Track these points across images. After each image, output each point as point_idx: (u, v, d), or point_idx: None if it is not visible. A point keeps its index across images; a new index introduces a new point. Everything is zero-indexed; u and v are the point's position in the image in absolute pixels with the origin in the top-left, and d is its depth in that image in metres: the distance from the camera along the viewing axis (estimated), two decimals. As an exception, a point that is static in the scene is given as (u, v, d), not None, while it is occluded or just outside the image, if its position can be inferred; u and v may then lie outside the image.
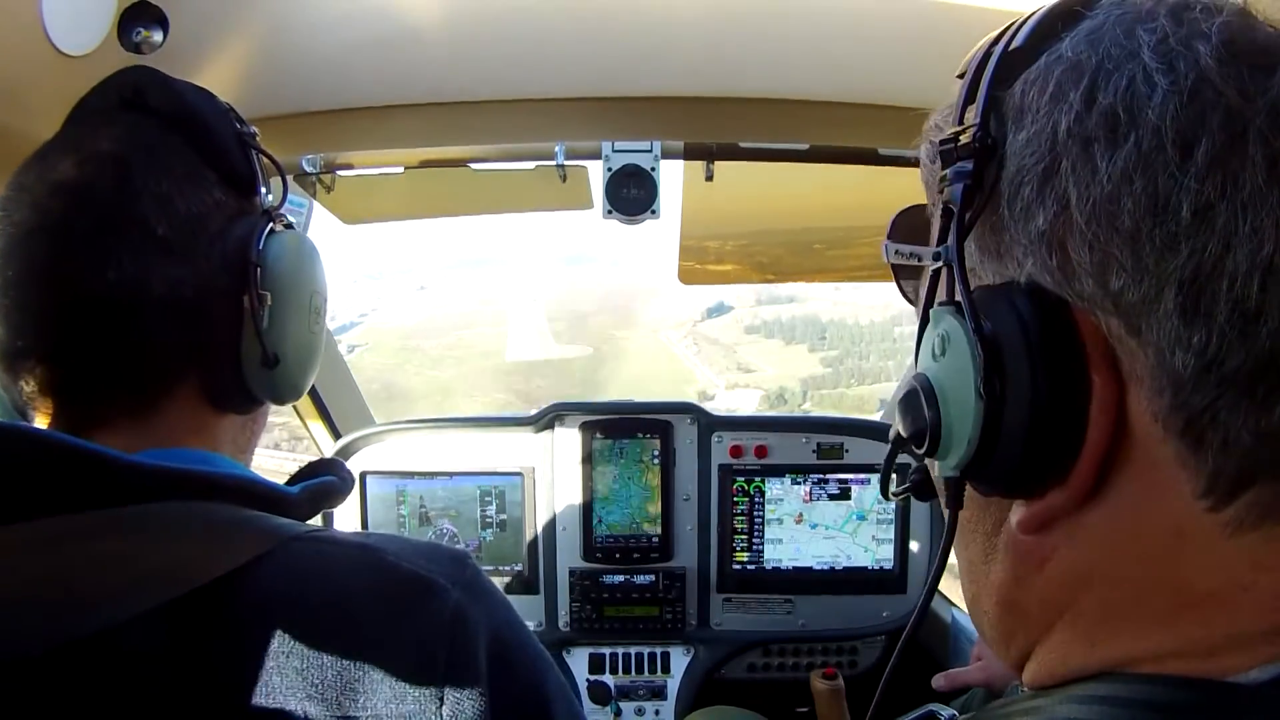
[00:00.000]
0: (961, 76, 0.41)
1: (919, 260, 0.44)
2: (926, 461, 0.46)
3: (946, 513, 0.42)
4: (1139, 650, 0.35)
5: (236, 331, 0.59)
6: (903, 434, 0.42)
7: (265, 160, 0.66)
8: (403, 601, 0.49)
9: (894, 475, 0.50)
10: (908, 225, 0.50)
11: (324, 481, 0.62)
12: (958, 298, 0.37)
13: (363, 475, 1.54)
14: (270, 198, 0.67)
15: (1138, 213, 0.32)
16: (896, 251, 0.45)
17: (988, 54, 0.39)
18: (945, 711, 0.76)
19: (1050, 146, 0.34)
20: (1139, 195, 0.32)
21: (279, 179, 0.72)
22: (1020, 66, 0.37)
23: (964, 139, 0.38)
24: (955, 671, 1.15)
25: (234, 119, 0.64)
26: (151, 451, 0.53)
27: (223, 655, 0.45)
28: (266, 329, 0.59)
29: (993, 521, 0.40)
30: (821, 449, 1.55)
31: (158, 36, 0.83)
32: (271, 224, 0.62)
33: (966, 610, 0.45)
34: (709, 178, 1.39)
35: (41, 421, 0.55)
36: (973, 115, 0.38)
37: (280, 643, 0.45)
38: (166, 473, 0.49)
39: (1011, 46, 0.38)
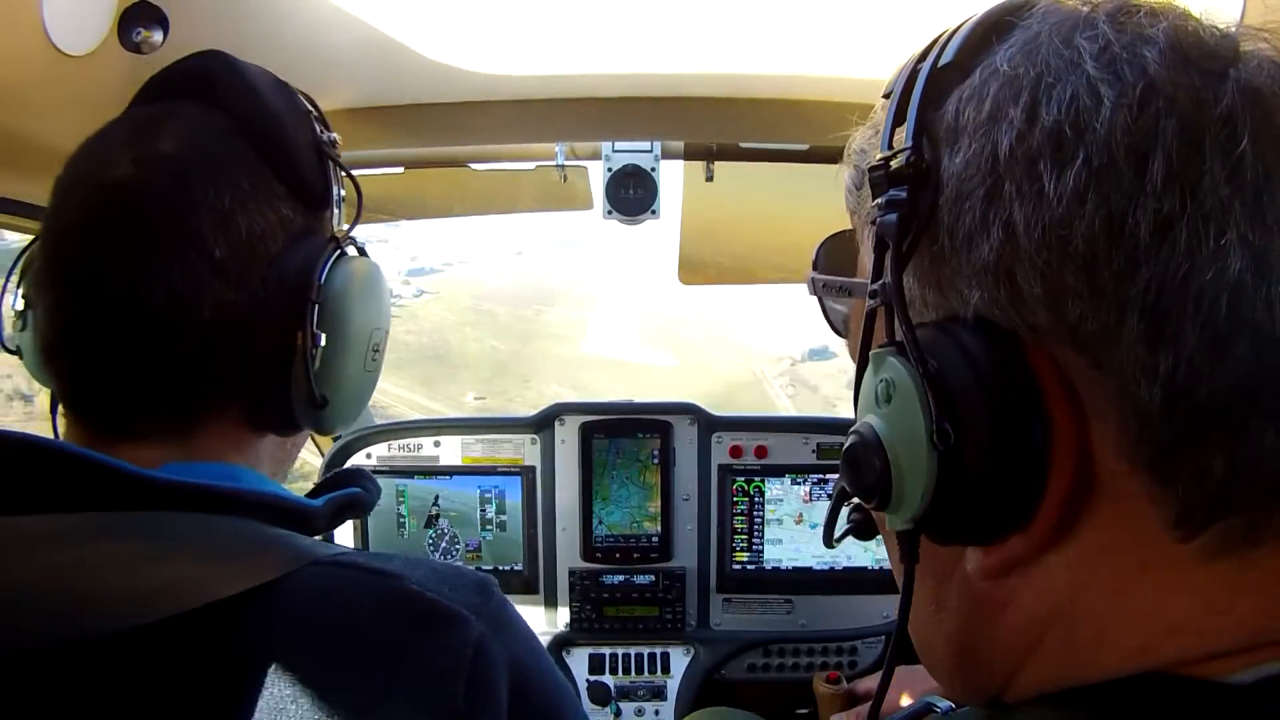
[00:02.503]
0: (888, 96, 0.38)
1: (850, 294, 0.42)
2: (874, 514, 0.43)
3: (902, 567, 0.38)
4: (1116, 675, 0.33)
5: (286, 365, 0.54)
6: (848, 489, 0.39)
7: (343, 174, 0.60)
8: (423, 632, 0.47)
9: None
10: (834, 254, 0.47)
11: (349, 494, 0.59)
12: (899, 338, 0.34)
13: None
14: (339, 217, 0.62)
15: (1092, 235, 0.29)
16: (825, 285, 0.42)
17: (915, 71, 0.36)
18: (942, 704, 0.77)
19: (991, 168, 0.32)
20: (1092, 216, 0.29)
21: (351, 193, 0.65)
22: (952, 84, 0.35)
23: (895, 164, 0.35)
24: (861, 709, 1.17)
25: (314, 122, 0.59)
26: (173, 466, 0.50)
27: (232, 677, 0.43)
28: (318, 369, 0.55)
29: (942, 568, 0.38)
30: (821, 449, 1.55)
31: (158, 37, 0.83)
32: (339, 251, 0.57)
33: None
34: (709, 178, 1.39)
35: (65, 422, 0.53)
36: (903, 138, 0.35)
37: (296, 670, 0.43)
38: (179, 487, 0.46)
39: (941, 63, 0.35)
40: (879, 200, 0.35)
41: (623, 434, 1.55)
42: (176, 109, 0.55)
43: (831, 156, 1.35)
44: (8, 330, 0.72)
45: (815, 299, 0.47)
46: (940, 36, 0.37)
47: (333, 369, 0.56)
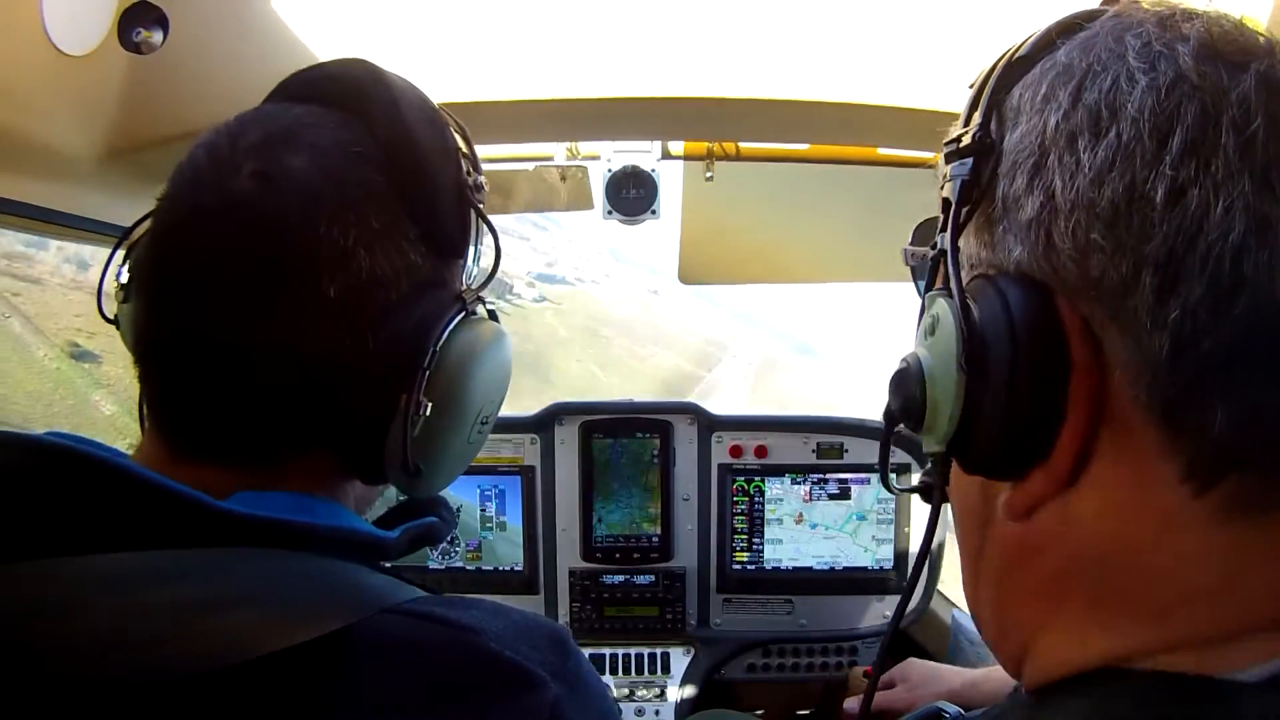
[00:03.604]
0: (973, 86, 0.44)
1: (924, 259, 0.46)
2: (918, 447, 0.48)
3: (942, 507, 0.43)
4: (1134, 645, 0.35)
5: (383, 424, 0.50)
6: (893, 410, 0.44)
7: (480, 223, 0.55)
8: (498, 695, 0.44)
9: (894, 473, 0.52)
10: (924, 233, 0.53)
11: (426, 524, 0.56)
12: (950, 284, 0.39)
13: None
14: (473, 266, 0.57)
15: (1116, 199, 0.34)
16: (912, 255, 0.49)
17: (994, 65, 0.42)
18: (951, 709, 0.78)
19: (1040, 142, 0.37)
20: (1117, 183, 0.34)
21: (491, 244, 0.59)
22: (1020, 74, 0.40)
23: (965, 140, 0.40)
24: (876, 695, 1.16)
25: (460, 160, 0.54)
26: (244, 495, 0.47)
27: None
28: (416, 437, 0.50)
29: (986, 515, 0.41)
30: (821, 449, 1.55)
31: (158, 37, 0.83)
32: (464, 312, 0.52)
33: (967, 609, 0.46)
34: (709, 178, 1.40)
35: (148, 419, 0.51)
36: (976, 119, 0.41)
37: None
38: (249, 521, 0.44)
39: (1014, 57, 0.41)
40: (947, 169, 0.41)
41: (623, 434, 1.56)
42: (315, 118, 0.50)
43: (831, 156, 1.35)
44: (108, 289, 0.68)
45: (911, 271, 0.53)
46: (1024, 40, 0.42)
47: (433, 439, 0.51)
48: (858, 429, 1.56)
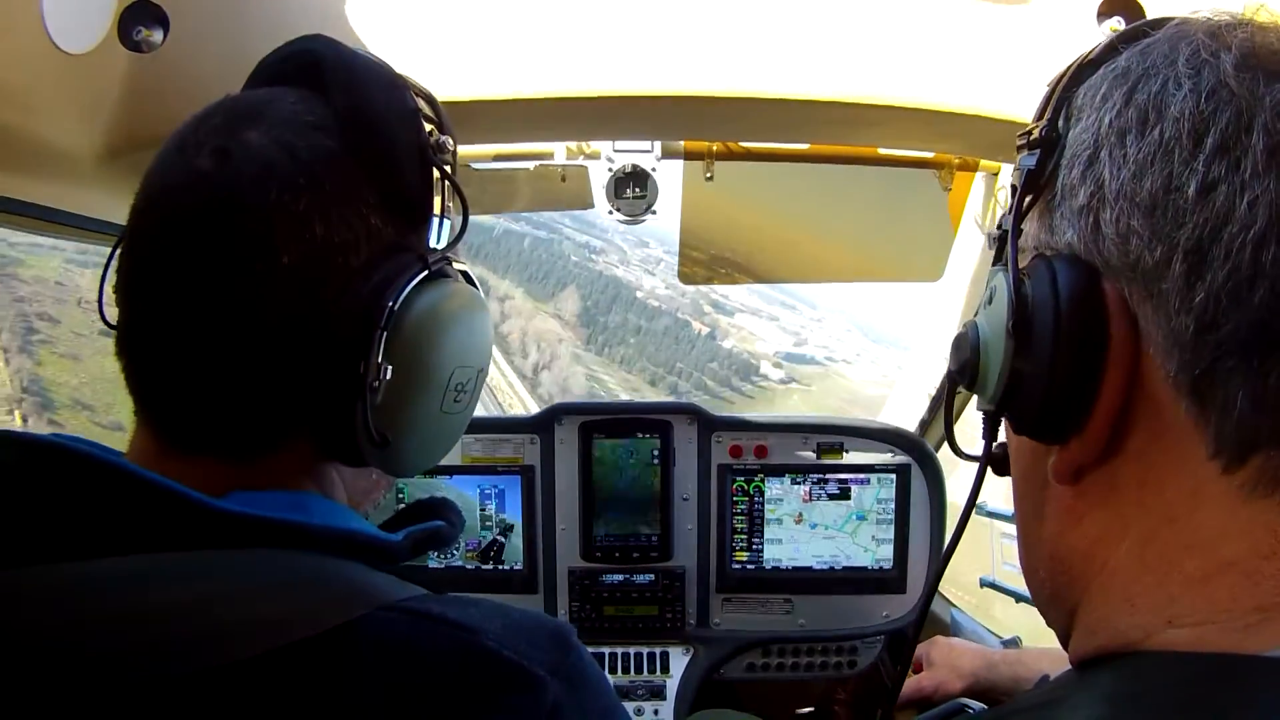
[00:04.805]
0: (1049, 85, 0.48)
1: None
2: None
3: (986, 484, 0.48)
4: (1175, 612, 0.37)
5: (350, 396, 0.48)
6: (952, 369, 0.49)
7: (447, 185, 0.54)
8: (496, 696, 0.44)
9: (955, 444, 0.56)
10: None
11: (432, 528, 0.56)
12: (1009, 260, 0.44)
13: None
14: (441, 230, 0.56)
15: (1154, 190, 0.37)
16: (993, 238, 0.52)
17: (1069, 67, 0.46)
18: (975, 704, 0.79)
19: (1095, 137, 0.40)
20: (1157, 176, 0.37)
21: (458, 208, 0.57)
22: (1087, 76, 0.44)
23: (1034, 134, 0.45)
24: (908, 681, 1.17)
25: (421, 123, 0.53)
26: (239, 495, 0.47)
27: None
28: (379, 405, 0.49)
29: (1041, 478, 0.45)
30: (821, 449, 1.54)
31: (158, 36, 0.83)
32: (425, 272, 0.51)
33: (1020, 570, 0.50)
34: (709, 178, 1.40)
35: (137, 420, 0.51)
36: (1047, 115, 0.45)
37: None
38: (245, 521, 0.44)
39: (1085, 60, 0.44)
40: (1017, 159, 0.45)
41: (623, 434, 1.55)
42: (275, 97, 0.51)
43: (831, 156, 1.35)
44: (108, 296, 0.70)
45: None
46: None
47: (399, 407, 0.50)
48: (857, 429, 1.56)
